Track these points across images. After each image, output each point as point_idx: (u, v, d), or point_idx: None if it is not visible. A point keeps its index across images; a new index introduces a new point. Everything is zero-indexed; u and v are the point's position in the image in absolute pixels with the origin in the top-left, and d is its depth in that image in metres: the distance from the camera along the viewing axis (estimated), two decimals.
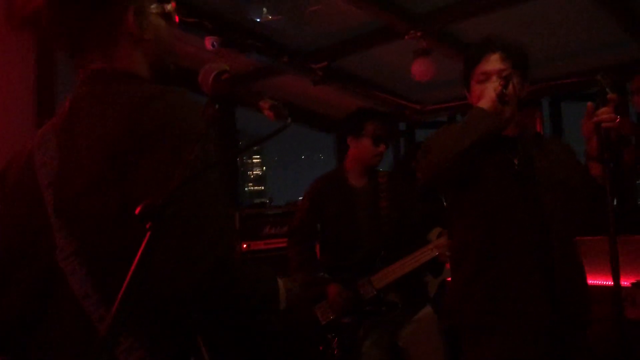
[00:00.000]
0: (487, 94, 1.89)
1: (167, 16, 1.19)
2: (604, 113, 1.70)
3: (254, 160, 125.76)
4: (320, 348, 2.82)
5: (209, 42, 4.06)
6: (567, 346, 1.88)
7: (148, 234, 0.73)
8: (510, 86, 1.86)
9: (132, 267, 0.72)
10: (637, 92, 3.22)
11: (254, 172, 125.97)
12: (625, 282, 3.52)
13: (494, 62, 1.94)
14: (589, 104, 1.75)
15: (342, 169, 3.07)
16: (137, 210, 0.76)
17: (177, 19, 1.21)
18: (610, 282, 3.98)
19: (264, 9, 4.29)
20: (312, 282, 2.87)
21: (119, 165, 0.96)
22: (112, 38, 1.13)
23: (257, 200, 5.93)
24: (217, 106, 0.92)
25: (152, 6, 1.16)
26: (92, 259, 0.98)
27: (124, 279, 0.72)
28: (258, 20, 4.37)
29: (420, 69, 4.38)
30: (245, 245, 4.68)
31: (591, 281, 3.73)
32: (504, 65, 1.92)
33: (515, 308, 1.88)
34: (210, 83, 0.98)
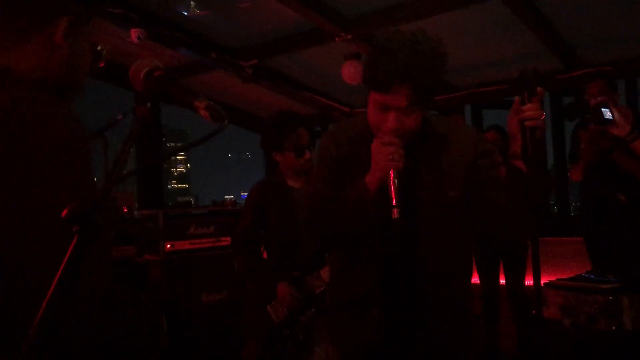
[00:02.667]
0: (378, 164, 1.60)
1: (96, 55, 1.10)
2: (530, 109, 1.58)
3: (178, 157, 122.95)
4: (277, 345, 2.87)
5: (134, 34, 3.92)
6: None
7: (76, 239, 0.68)
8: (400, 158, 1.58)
9: (58, 275, 0.67)
10: (592, 96, 3.42)
11: (178, 170, 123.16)
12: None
13: (398, 98, 1.58)
14: (516, 98, 1.62)
15: (279, 172, 3.10)
16: (64, 213, 0.71)
17: (102, 64, 1.12)
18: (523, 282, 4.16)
19: (192, 3, 4.20)
20: (261, 285, 2.92)
21: None
22: (29, 35, 1.02)
23: (181, 199, 5.77)
24: (148, 105, 0.87)
25: (86, 33, 1.08)
26: None
27: None
28: (186, 14, 4.27)
29: (350, 71, 4.43)
30: (169, 245, 4.56)
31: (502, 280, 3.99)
32: (407, 102, 1.57)
33: (350, 341, 1.80)
34: (141, 80, 0.93)
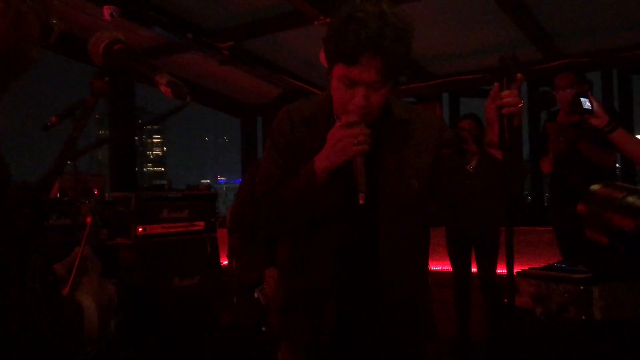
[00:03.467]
0: (343, 150, 1.48)
1: (46, 28, 0.92)
2: (508, 96, 1.52)
3: (154, 140, 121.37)
4: (264, 328, 2.80)
5: (107, 11, 3.81)
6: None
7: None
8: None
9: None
10: (561, 89, 3.44)
11: (154, 153, 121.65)
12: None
13: (367, 71, 1.45)
14: (496, 84, 1.55)
15: None
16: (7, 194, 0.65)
17: (52, 41, 0.94)
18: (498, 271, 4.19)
19: None
20: (252, 266, 2.82)
21: None
22: None
23: (156, 182, 5.71)
24: (107, 79, 0.82)
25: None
26: None
27: None
28: None
29: None
30: (141, 229, 4.48)
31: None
32: (378, 77, 1.46)
33: (303, 334, 1.69)
34: (100, 53, 0.87)
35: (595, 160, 3.34)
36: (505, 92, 1.52)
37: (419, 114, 1.71)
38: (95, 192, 4.87)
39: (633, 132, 3.48)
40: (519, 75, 1.53)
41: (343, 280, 1.62)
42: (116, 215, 4.53)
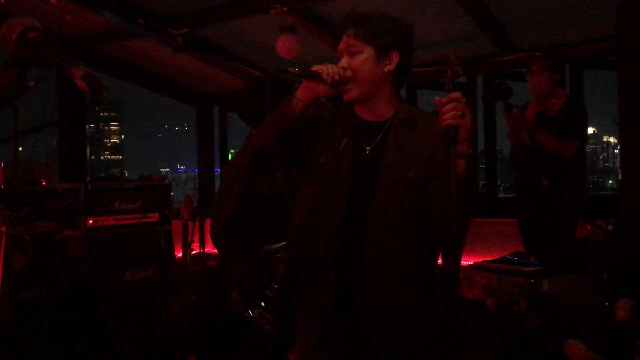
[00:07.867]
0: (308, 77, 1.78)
1: None
2: (450, 109, 1.52)
3: (112, 128, 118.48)
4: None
5: None
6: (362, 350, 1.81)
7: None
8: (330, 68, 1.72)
9: None
10: (534, 74, 3.47)
11: (112, 141, 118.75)
12: (464, 262, 3.77)
13: (344, 40, 1.79)
14: (437, 98, 1.56)
15: None
16: None
17: None
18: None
19: None
20: (260, 264, 2.47)
21: None
22: None
23: (112, 171, 5.51)
24: (17, 70, 0.74)
25: None
26: None
27: None
28: None
29: (285, 45, 4.30)
30: (91, 221, 4.34)
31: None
32: (351, 41, 1.78)
33: (307, 303, 1.86)
34: (13, 41, 0.79)
35: (554, 150, 3.38)
36: (447, 107, 1.53)
37: (424, 114, 1.91)
38: (44, 183, 4.69)
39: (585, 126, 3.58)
40: (449, 71, 1.54)
41: (342, 253, 1.77)
42: (64, 206, 4.37)
